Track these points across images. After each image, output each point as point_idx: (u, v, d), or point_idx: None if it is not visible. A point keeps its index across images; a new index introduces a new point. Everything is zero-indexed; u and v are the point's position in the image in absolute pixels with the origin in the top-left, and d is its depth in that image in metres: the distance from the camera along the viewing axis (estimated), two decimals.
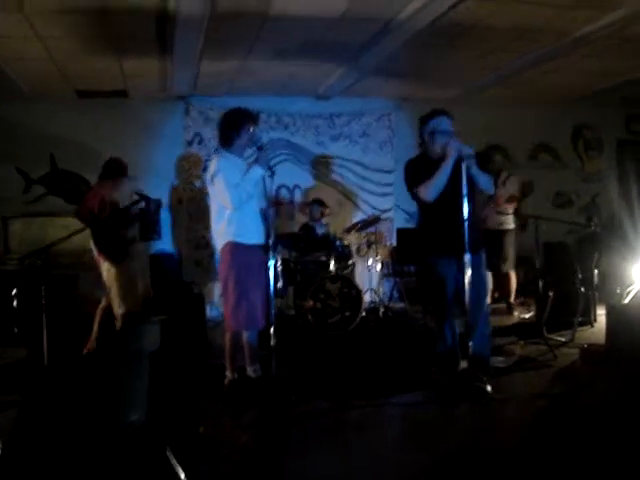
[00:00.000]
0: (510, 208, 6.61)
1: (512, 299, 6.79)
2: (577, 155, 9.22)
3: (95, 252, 5.18)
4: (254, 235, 4.14)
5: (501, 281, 6.76)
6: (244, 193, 4.00)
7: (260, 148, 4.17)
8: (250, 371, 4.27)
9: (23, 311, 5.80)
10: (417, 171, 4.15)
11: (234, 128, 4.15)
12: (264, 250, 4.12)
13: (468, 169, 3.94)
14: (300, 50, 5.85)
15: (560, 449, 3.10)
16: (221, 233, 4.13)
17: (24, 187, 7.04)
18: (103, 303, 5.37)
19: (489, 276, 6.57)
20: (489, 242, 6.18)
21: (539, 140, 8.92)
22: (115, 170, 5.35)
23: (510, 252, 6.62)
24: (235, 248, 4.07)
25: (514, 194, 6.68)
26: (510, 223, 6.68)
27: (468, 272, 3.93)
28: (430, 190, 4.01)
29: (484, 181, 4.14)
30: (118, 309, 5.16)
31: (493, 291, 6.91)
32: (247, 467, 3.09)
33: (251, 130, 4.18)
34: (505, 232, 6.61)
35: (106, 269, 5.16)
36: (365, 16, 5.00)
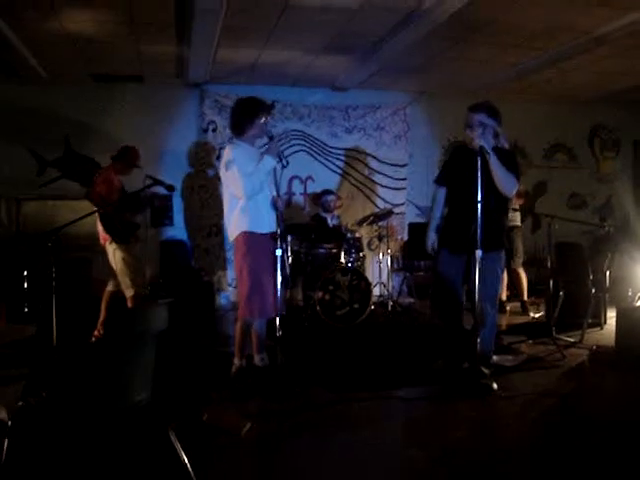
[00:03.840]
0: (517, 204, 6.55)
1: (525, 297, 6.78)
2: (593, 155, 9.15)
3: (101, 233, 5.21)
4: (267, 224, 4.12)
5: (512, 279, 6.76)
6: (257, 182, 3.99)
7: (271, 138, 4.16)
8: (257, 359, 4.30)
9: (34, 292, 5.85)
10: (445, 162, 4.22)
11: (248, 117, 4.13)
12: (275, 239, 4.11)
13: (487, 163, 3.85)
14: (318, 41, 5.83)
15: (564, 448, 3.09)
16: (235, 222, 4.12)
17: (38, 169, 7.08)
18: (110, 287, 5.39)
19: (503, 275, 6.56)
20: None
21: (555, 139, 8.87)
22: (129, 159, 5.38)
23: (520, 248, 6.65)
24: (249, 237, 4.07)
25: (524, 189, 6.69)
26: (518, 220, 6.70)
27: (477, 269, 3.86)
28: None
29: (505, 180, 3.94)
30: (127, 291, 5.19)
31: (506, 289, 6.91)
32: (248, 456, 3.10)
33: (264, 120, 4.16)
34: (514, 228, 6.60)
35: (112, 250, 5.18)
36: (384, 7, 4.97)
